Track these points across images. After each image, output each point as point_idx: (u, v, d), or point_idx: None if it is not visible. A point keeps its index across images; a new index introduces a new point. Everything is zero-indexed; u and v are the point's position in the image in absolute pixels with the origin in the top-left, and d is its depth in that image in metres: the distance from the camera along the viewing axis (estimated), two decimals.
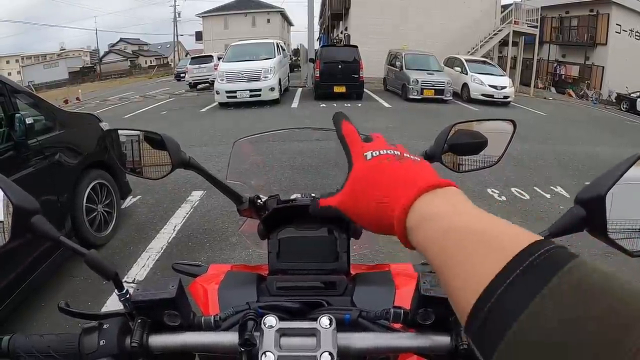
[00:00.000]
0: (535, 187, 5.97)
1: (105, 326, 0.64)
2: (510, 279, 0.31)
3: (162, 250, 3.96)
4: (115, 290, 0.65)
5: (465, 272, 0.35)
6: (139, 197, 5.27)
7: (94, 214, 3.91)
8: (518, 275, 0.30)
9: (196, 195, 5.31)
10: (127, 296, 0.65)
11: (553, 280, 0.29)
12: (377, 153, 0.53)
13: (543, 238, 0.33)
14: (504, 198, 5.50)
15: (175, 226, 4.50)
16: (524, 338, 0.28)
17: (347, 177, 0.54)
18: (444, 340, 0.63)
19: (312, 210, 0.60)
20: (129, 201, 5.08)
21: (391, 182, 0.48)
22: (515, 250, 0.32)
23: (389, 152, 0.53)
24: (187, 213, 4.84)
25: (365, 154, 0.53)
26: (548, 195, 5.68)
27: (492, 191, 5.70)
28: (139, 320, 0.64)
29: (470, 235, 0.37)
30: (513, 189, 5.84)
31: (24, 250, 2.89)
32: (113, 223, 4.21)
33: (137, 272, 3.57)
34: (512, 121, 0.95)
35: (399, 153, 0.53)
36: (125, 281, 0.70)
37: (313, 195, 1.02)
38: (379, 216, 0.48)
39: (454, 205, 0.42)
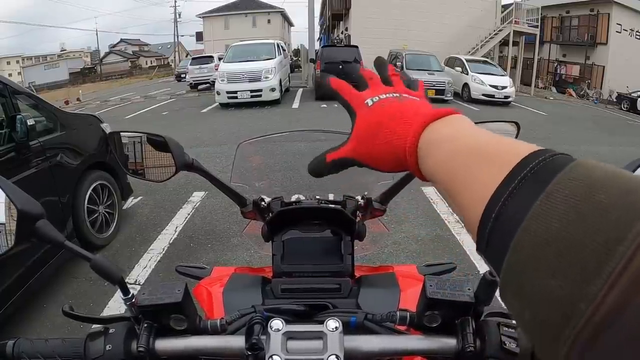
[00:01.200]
0: None
1: (111, 331, 0.64)
2: (512, 185, 0.31)
3: (163, 252, 3.96)
4: (121, 295, 0.65)
5: (471, 188, 0.36)
6: (140, 198, 5.27)
7: (96, 215, 3.91)
8: (520, 181, 0.31)
9: (197, 196, 5.31)
10: (133, 300, 0.64)
11: (554, 181, 0.28)
12: (377, 98, 0.54)
13: (542, 148, 0.33)
14: None
15: (176, 227, 4.50)
16: (529, 241, 0.28)
17: (353, 127, 0.54)
18: (450, 342, 0.63)
19: (318, 166, 0.59)
20: (131, 202, 5.07)
21: (397, 120, 0.50)
22: (517, 161, 0.32)
23: (388, 95, 0.54)
24: (189, 214, 4.84)
25: (366, 101, 0.54)
26: None
27: None
28: (145, 325, 0.64)
29: (473, 153, 0.38)
30: None
31: (25, 252, 2.89)
32: (114, 224, 4.21)
33: (139, 273, 3.57)
34: (516, 123, 0.95)
35: (399, 94, 0.54)
36: (127, 282, 0.70)
37: (318, 197, 1.01)
38: (391, 152, 0.50)
39: (458, 130, 0.44)
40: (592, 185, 0.27)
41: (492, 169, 0.34)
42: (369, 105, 0.53)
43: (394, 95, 0.54)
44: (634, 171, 0.55)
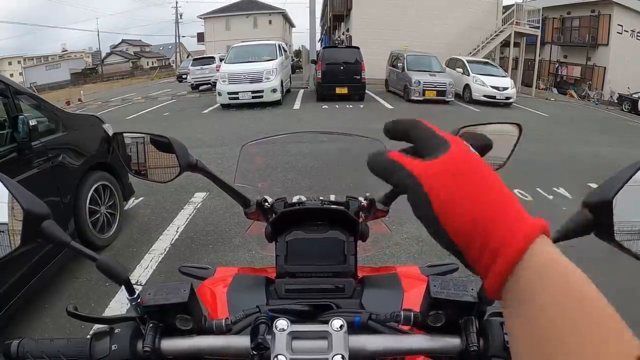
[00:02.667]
0: (537, 188, 5.96)
1: (116, 331, 0.64)
2: None
3: (165, 252, 3.96)
4: (127, 295, 0.65)
5: (583, 352, 0.30)
6: (141, 198, 5.28)
7: (97, 216, 3.92)
8: None
9: (199, 196, 5.31)
10: (139, 301, 0.65)
11: None
12: (474, 150, 0.43)
13: None
14: None
15: (178, 228, 4.50)
16: None
17: (440, 153, 0.42)
18: (454, 342, 0.63)
19: (378, 158, 0.46)
20: (132, 203, 5.09)
21: (498, 198, 0.39)
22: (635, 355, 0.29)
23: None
24: (190, 215, 4.84)
25: (466, 144, 0.43)
26: (550, 197, 5.68)
27: None
28: (151, 325, 0.64)
29: (602, 312, 0.32)
30: (515, 190, 5.83)
31: (27, 252, 2.90)
32: (116, 224, 4.22)
33: (140, 273, 3.58)
34: (518, 124, 0.95)
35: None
36: None
37: (321, 198, 1.02)
38: (474, 230, 0.39)
39: (566, 260, 0.36)
40: None
41: (615, 342, 0.30)
42: (472, 149, 0.43)
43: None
44: (634, 173, 0.55)
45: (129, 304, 0.66)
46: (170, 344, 0.64)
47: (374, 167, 0.46)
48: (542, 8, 23.28)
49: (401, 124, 0.48)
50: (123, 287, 0.65)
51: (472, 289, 0.63)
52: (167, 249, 4.04)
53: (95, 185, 3.90)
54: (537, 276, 0.35)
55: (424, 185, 0.41)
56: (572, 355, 0.30)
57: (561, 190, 5.90)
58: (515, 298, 0.36)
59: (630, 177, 0.56)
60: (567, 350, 0.30)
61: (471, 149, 0.43)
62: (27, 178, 3.03)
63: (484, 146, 0.90)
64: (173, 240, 4.21)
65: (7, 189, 0.58)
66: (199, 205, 5.10)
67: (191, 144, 7.95)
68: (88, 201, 3.76)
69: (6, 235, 0.60)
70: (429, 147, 0.43)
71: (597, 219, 0.57)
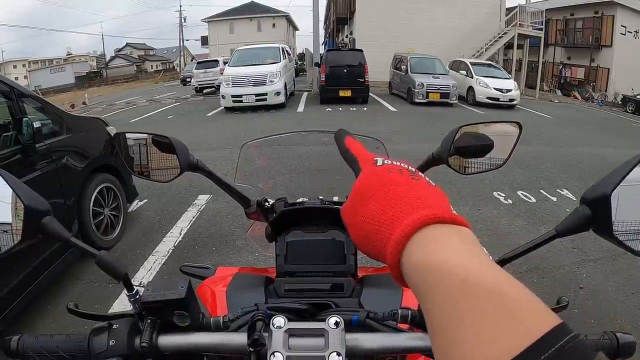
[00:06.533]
0: (541, 190, 5.94)
1: (115, 326, 0.65)
2: (543, 357, 0.28)
3: (168, 254, 3.97)
4: (125, 291, 0.65)
5: (479, 337, 0.30)
6: (145, 200, 5.29)
7: (101, 218, 3.94)
8: (550, 355, 0.28)
9: (202, 199, 5.32)
10: (137, 297, 0.65)
11: None
12: (390, 162, 0.47)
13: (563, 322, 0.30)
14: (510, 201, 5.47)
15: (181, 230, 4.51)
16: None
17: (354, 184, 0.47)
18: None
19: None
20: (136, 205, 5.10)
21: (395, 199, 0.41)
22: (540, 330, 0.29)
23: (402, 165, 0.46)
24: (194, 217, 4.85)
25: (375, 158, 0.48)
26: (554, 198, 5.66)
27: (498, 194, 5.68)
28: (149, 321, 0.64)
29: (490, 295, 0.32)
30: (519, 192, 5.82)
31: (30, 254, 2.91)
32: (120, 226, 4.23)
33: (144, 275, 3.59)
34: (518, 123, 0.95)
35: (414, 170, 0.46)
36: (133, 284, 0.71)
37: (320, 198, 1.02)
38: (371, 237, 0.42)
39: (469, 251, 0.35)
40: None
41: (510, 327, 0.29)
42: (377, 163, 0.47)
43: (410, 168, 0.46)
44: (633, 167, 0.56)
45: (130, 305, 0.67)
46: (167, 340, 0.64)
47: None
48: (546, 10, 23.26)
49: (336, 141, 0.57)
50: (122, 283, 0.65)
51: None
52: (171, 251, 4.05)
53: (99, 187, 3.92)
54: (415, 276, 0.36)
55: (343, 219, 0.48)
56: (470, 337, 0.30)
57: (565, 192, 5.89)
58: (412, 288, 0.37)
59: (628, 173, 0.56)
60: (465, 334, 0.30)
61: (377, 163, 0.47)
62: (31, 180, 3.04)
63: (485, 146, 0.90)
64: (176, 243, 4.22)
65: (9, 185, 0.59)
66: (202, 207, 5.11)
67: (195, 147, 7.98)
68: (92, 203, 3.78)
69: (7, 230, 0.60)
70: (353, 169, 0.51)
71: (595, 215, 0.57)
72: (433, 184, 0.45)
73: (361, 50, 16.31)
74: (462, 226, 0.38)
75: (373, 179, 0.44)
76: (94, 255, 0.65)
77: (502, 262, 0.69)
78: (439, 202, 0.41)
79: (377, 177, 0.44)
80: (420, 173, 0.46)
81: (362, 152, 0.52)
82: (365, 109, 14.33)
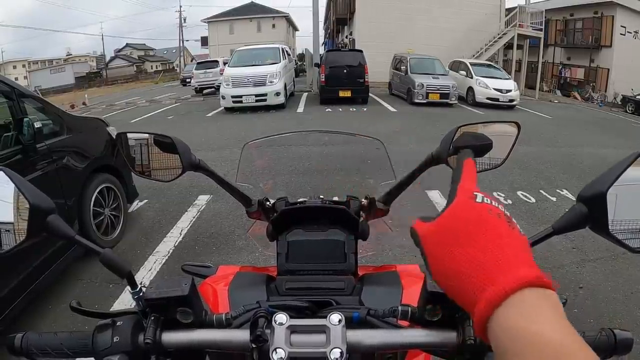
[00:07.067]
0: (541, 190, 5.95)
1: (118, 323, 0.65)
2: None
3: (168, 254, 3.98)
4: (129, 288, 0.66)
5: None
6: (145, 201, 5.30)
7: (101, 218, 3.94)
8: None
9: (202, 199, 5.33)
10: (141, 294, 0.66)
11: None
12: (489, 201, 0.45)
13: None
14: (509, 201, 5.48)
15: (181, 230, 4.52)
16: None
17: (445, 209, 0.46)
18: (451, 336, 0.64)
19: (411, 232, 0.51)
20: (136, 205, 5.11)
21: (495, 249, 0.41)
22: None
23: (500, 207, 0.45)
24: (194, 217, 4.86)
25: (475, 193, 0.46)
26: (554, 199, 5.67)
27: (498, 194, 5.69)
28: (152, 318, 0.65)
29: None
30: (519, 192, 5.82)
31: (31, 253, 2.91)
32: (120, 226, 4.24)
33: (144, 275, 3.59)
34: (517, 123, 0.96)
35: (509, 214, 0.44)
36: None
37: (321, 197, 1.03)
38: (458, 278, 0.42)
39: (564, 325, 0.36)
40: None
41: None
42: (476, 199, 0.45)
43: (506, 212, 0.44)
44: (629, 165, 0.56)
45: (133, 303, 0.67)
46: (171, 337, 0.65)
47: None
48: (545, 10, 23.26)
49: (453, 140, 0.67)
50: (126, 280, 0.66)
51: None
52: (171, 251, 4.05)
53: (100, 188, 3.92)
54: (505, 337, 0.36)
55: (422, 242, 0.47)
56: None
57: (564, 192, 5.89)
58: (495, 347, 0.38)
59: (624, 171, 0.57)
60: None
61: (477, 199, 0.45)
62: (31, 180, 2.99)
63: (484, 146, 0.91)
64: (177, 243, 4.23)
65: (14, 183, 0.60)
66: (202, 207, 5.12)
67: (195, 147, 7.92)
68: (92, 203, 3.78)
69: (12, 228, 0.61)
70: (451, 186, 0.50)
71: (592, 212, 0.58)
72: (521, 231, 0.44)
73: (361, 51, 16.33)
74: (551, 290, 0.39)
75: (471, 216, 0.43)
76: (98, 253, 0.65)
77: None
78: (531, 259, 0.41)
79: (476, 216, 0.43)
80: (513, 219, 0.45)
81: (469, 178, 0.50)
82: (365, 109, 14.34)
